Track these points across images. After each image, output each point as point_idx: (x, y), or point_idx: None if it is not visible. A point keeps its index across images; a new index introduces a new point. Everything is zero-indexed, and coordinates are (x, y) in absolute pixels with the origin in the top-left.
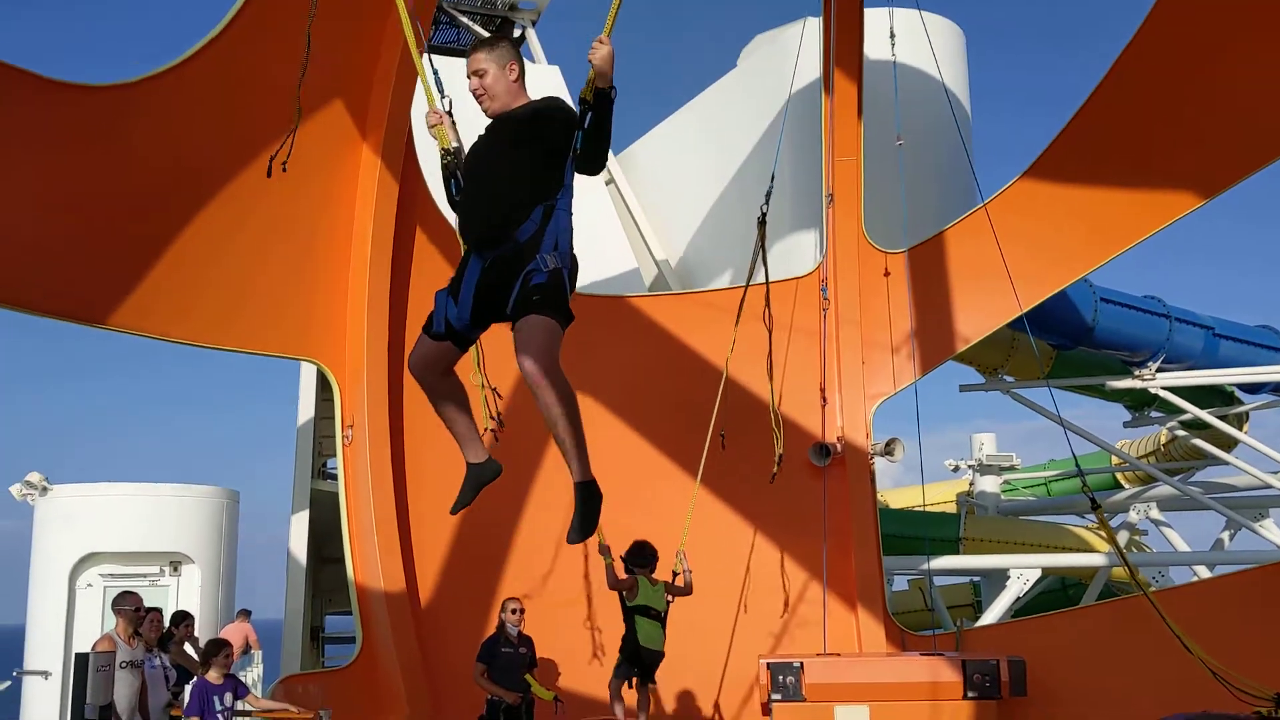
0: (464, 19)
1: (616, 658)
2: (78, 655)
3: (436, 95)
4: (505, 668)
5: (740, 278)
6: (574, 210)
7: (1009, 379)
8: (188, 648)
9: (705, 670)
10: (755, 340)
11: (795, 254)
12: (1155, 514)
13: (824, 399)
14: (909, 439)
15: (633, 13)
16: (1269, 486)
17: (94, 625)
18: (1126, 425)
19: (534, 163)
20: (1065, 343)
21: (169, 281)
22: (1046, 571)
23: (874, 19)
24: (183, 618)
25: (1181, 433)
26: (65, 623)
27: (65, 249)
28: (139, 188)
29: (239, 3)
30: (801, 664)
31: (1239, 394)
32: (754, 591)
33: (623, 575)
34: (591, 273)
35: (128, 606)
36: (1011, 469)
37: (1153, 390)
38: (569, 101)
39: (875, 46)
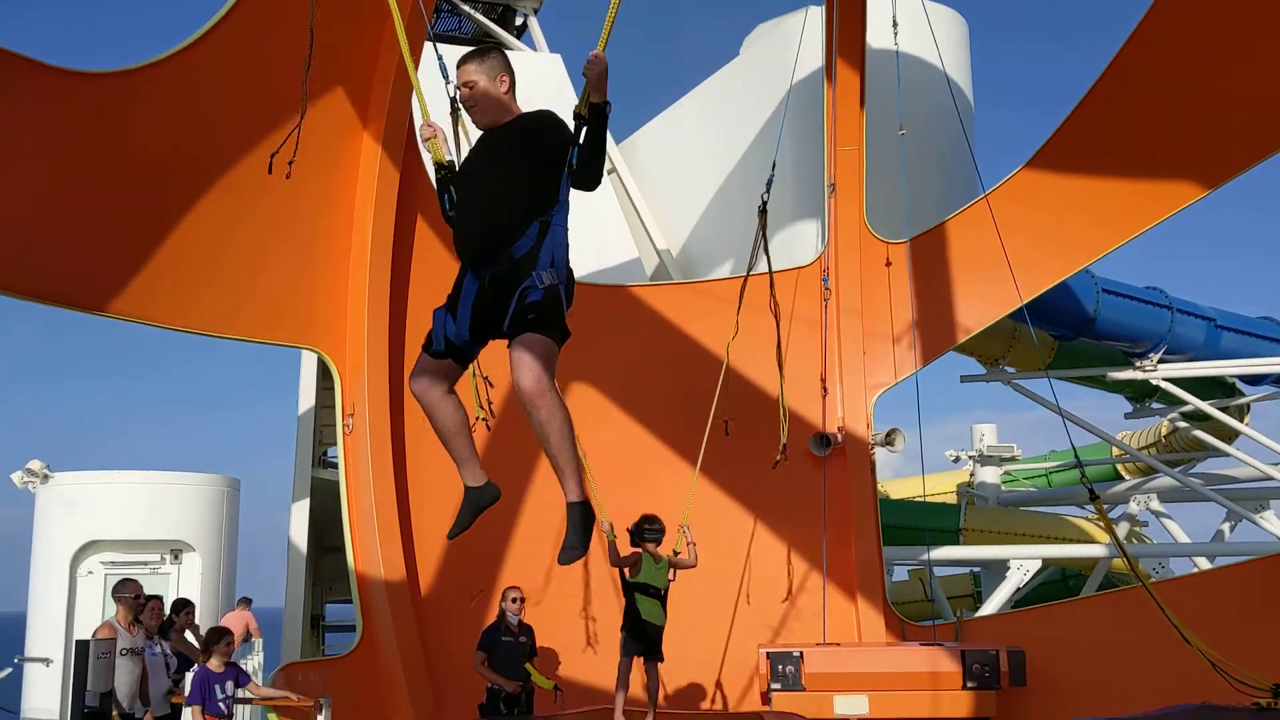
0: (466, 6)
1: (620, 636)
2: (78, 642)
3: (436, 107)
4: (505, 656)
5: (742, 267)
6: (576, 199)
7: (1010, 370)
8: (188, 635)
9: (705, 660)
10: (757, 330)
11: (797, 244)
12: (1156, 505)
13: (824, 389)
14: (910, 429)
15: (635, 1)
16: (1270, 478)
17: (95, 612)
18: (1128, 416)
19: (529, 178)
20: (1067, 333)
21: (172, 270)
22: (1046, 562)
23: (876, 8)
24: (183, 605)
25: (1182, 424)
26: (66, 610)
27: (67, 236)
28: (140, 175)
29: None
30: (801, 653)
31: (1240, 385)
32: (754, 581)
33: (626, 551)
34: (593, 262)
35: (128, 594)
36: (1012, 460)
37: (1154, 381)
38: (571, 89)
39: (878, 35)
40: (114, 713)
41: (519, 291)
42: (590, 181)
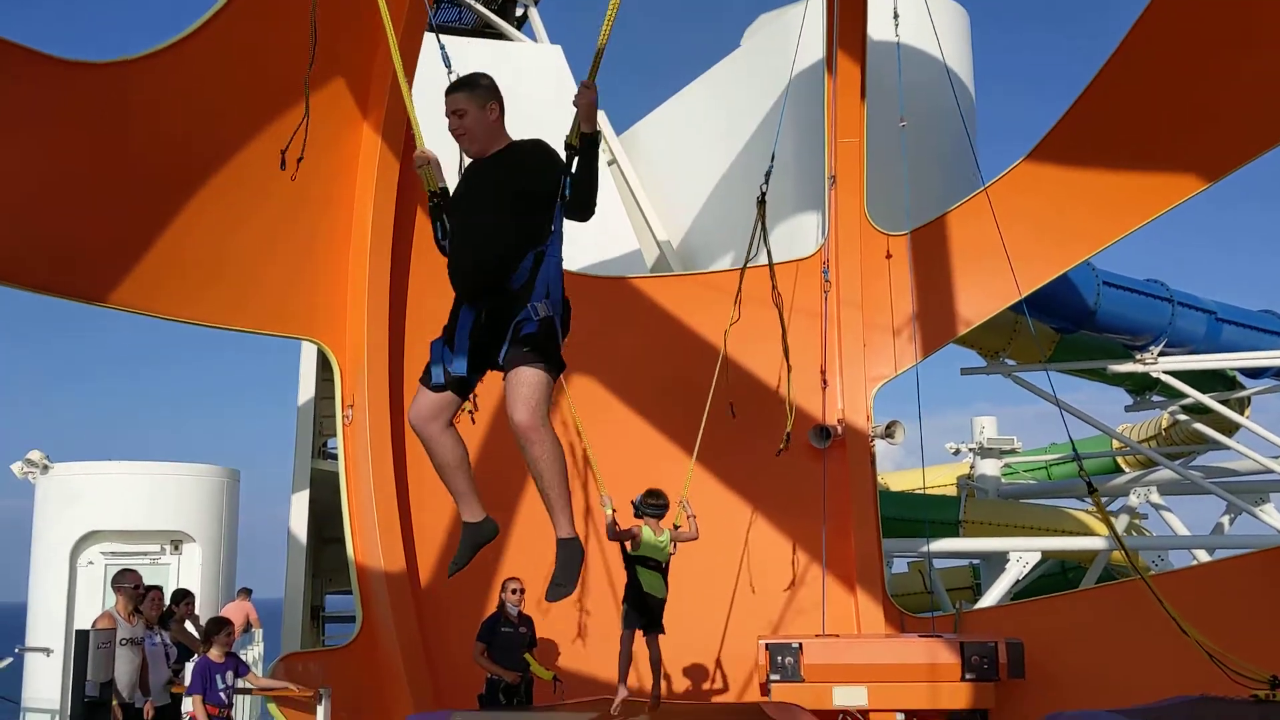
0: None
1: (622, 609)
2: (78, 632)
3: (433, 105)
4: (505, 647)
5: (743, 259)
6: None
7: (1010, 362)
8: (188, 626)
9: (705, 651)
10: (758, 322)
11: (798, 236)
12: (1155, 498)
13: (824, 381)
14: (910, 422)
15: None
16: (1270, 471)
17: (95, 603)
18: (1128, 409)
19: (522, 210)
20: (1067, 326)
21: (173, 262)
22: (1046, 555)
23: None
24: (183, 596)
25: (1183, 417)
26: (67, 600)
27: (68, 227)
28: (141, 166)
29: None
30: (800, 645)
31: (1241, 378)
32: (753, 573)
33: (626, 525)
34: (593, 253)
35: (127, 584)
36: (1012, 452)
37: (1154, 374)
38: (571, 81)
39: (879, 27)
40: (114, 702)
41: (514, 324)
42: (584, 212)
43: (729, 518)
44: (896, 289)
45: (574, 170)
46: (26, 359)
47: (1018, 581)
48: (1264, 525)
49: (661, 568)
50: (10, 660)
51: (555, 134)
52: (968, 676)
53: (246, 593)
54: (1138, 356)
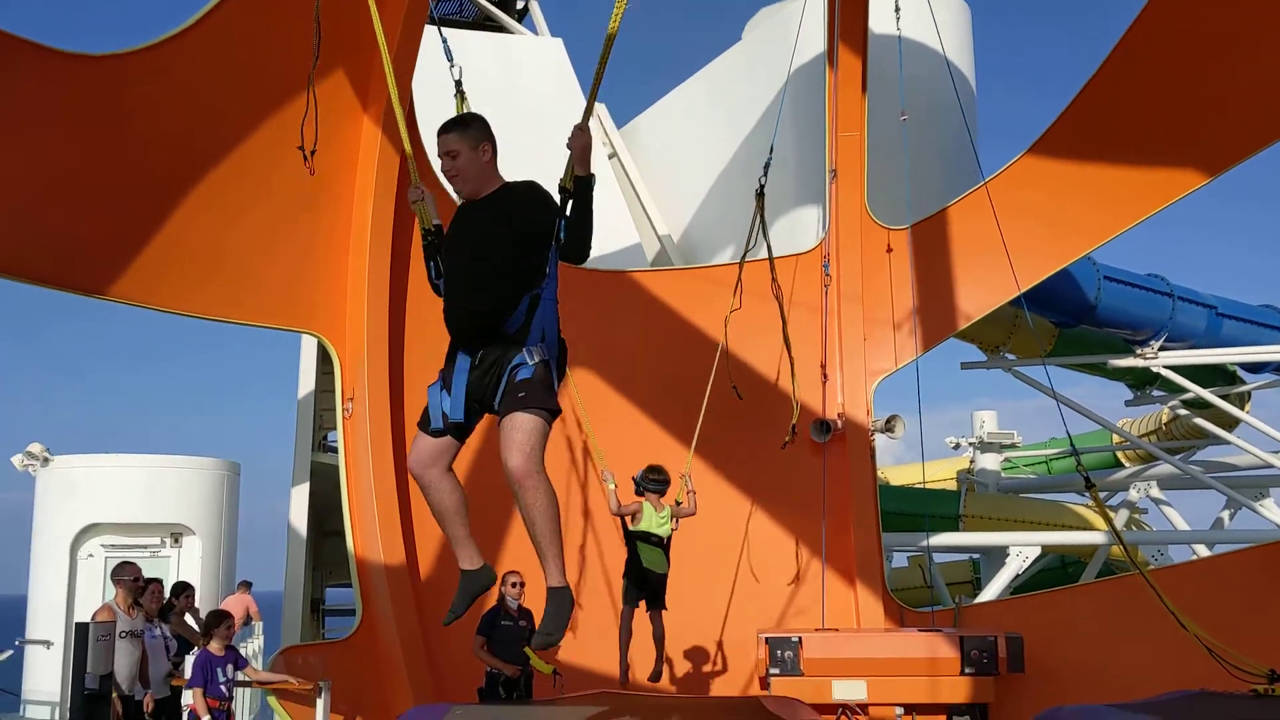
0: None
1: (622, 585)
2: (78, 625)
3: (432, 102)
4: (505, 640)
5: (743, 253)
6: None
7: (1011, 357)
8: (188, 618)
9: (704, 645)
10: (758, 316)
11: (798, 229)
12: (1155, 493)
13: (825, 375)
14: (910, 416)
15: None
16: (1270, 466)
17: (95, 595)
18: (1128, 404)
19: (516, 254)
20: (1068, 321)
21: (173, 254)
22: (1046, 549)
23: None
24: (183, 589)
25: (1183, 412)
26: (67, 593)
27: (67, 219)
28: (141, 159)
29: None
30: (800, 639)
31: (1241, 373)
32: (753, 567)
33: (629, 500)
34: (594, 247)
35: (126, 577)
36: (1012, 447)
37: (1155, 369)
38: (572, 74)
39: (880, 20)
40: (114, 695)
41: (509, 369)
42: (579, 255)
43: (728, 512)
44: (897, 283)
45: (568, 213)
46: (27, 354)
47: (1017, 576)
48: (1264, 520)
49: (663, 544)
50: (10, 653)
51: (555, 127)
52: (967, 671)
53: (246, 585)
54: (1138, 351)
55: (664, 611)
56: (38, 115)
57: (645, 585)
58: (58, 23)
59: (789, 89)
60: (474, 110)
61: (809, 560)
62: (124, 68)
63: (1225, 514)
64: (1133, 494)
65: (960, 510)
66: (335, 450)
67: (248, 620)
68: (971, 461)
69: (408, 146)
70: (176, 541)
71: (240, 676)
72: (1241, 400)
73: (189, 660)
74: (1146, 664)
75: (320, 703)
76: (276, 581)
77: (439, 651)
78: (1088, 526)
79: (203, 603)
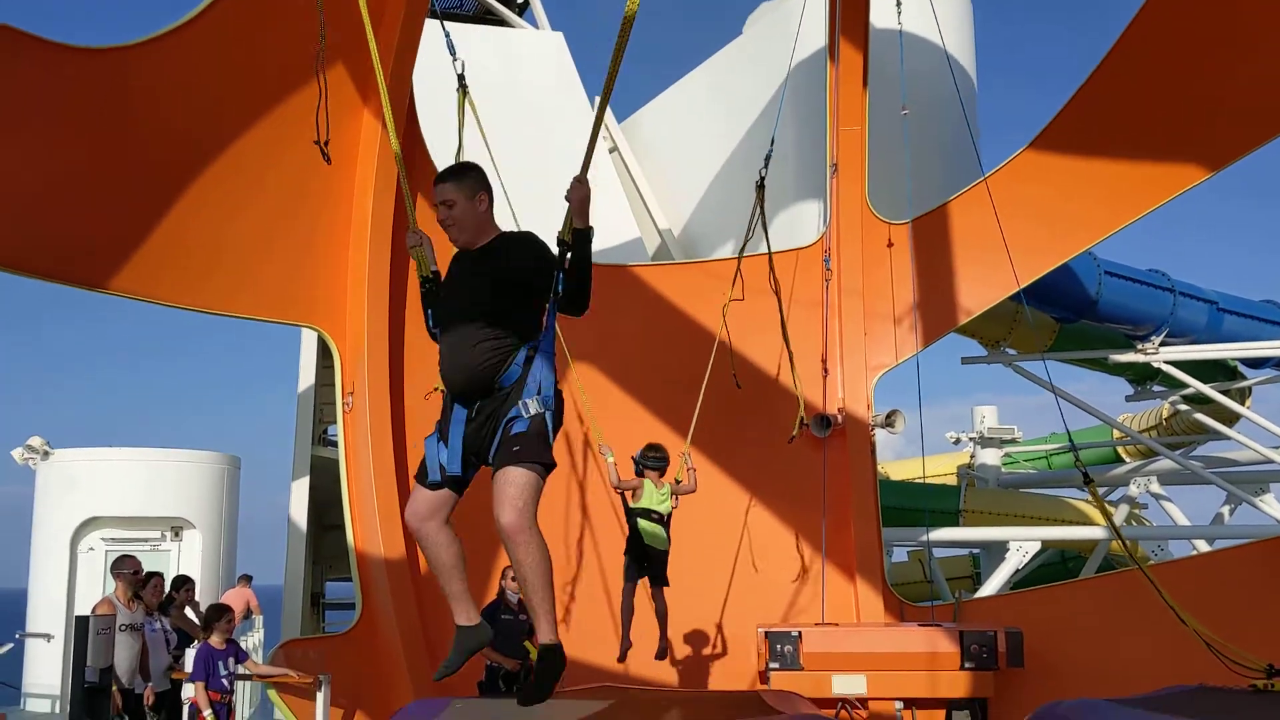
0: None
1: (624, 562)
2: (78, 618)
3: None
4: (505, 635)
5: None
6: (574, 173)
7: (1011, 351)
8: (188, 612)
9: (703, 639)
10: (757, 311)
11: (799, 224)
12: (1156, 488)
13: (825, 370)
14: (910, 411)
15: None
16: (1270, 461)
17: (95, 589)
18: (1129, 399)
19: (513, 306)
20: (1069, 316)
21: (175, 248)
22: (1046, 544)
23: None
24: (183, 582)
25: (1184, 407)
26: (67, 586)
27: (68, 213)
28: (141, 152)
29: None
30: (799, 633)
31: (1242, 369)
32: (753, 561)
33: (627, 477)
34: (594, 241)
35: (126, 570)
36: (1013, 442)
37: (1155, 364)
38: (572, 67)
39: (881, 15)
40: (114, 688)
41: (505, 422)
42: (577, 307)
43: (728, 506)
44: (898, 278)
45: (566, 265)
46: (27, 348)
47: (1017, 571)
48: (1264, 515)
49: (663, 520)
50: (11, 646)
51: (555, 120)
52: (967, 665)
53: (247, 579)
54: (1139, 346)
55: (666, 588)
56: (39, 108)
57: (647, 561)
58: (58, 19)
59: (790, 83)
60: (475, 104)
61: (808, 555)
62: (125, 61)
63: (1225, 509)
64: (1133, 489)
65: (960, 505)
66: (335, 444)
67: (248, 614)
68: (972, 456)
69: (406, 192)
70: (177, 535)
71: (241, 670)
72: (1242, 395)
73: (189, 653)
74: (1146, 659)
75: (320, 696)
76: (277, 575)
77: (439, 645)
78: (1088, 522)
79: (203, 596)
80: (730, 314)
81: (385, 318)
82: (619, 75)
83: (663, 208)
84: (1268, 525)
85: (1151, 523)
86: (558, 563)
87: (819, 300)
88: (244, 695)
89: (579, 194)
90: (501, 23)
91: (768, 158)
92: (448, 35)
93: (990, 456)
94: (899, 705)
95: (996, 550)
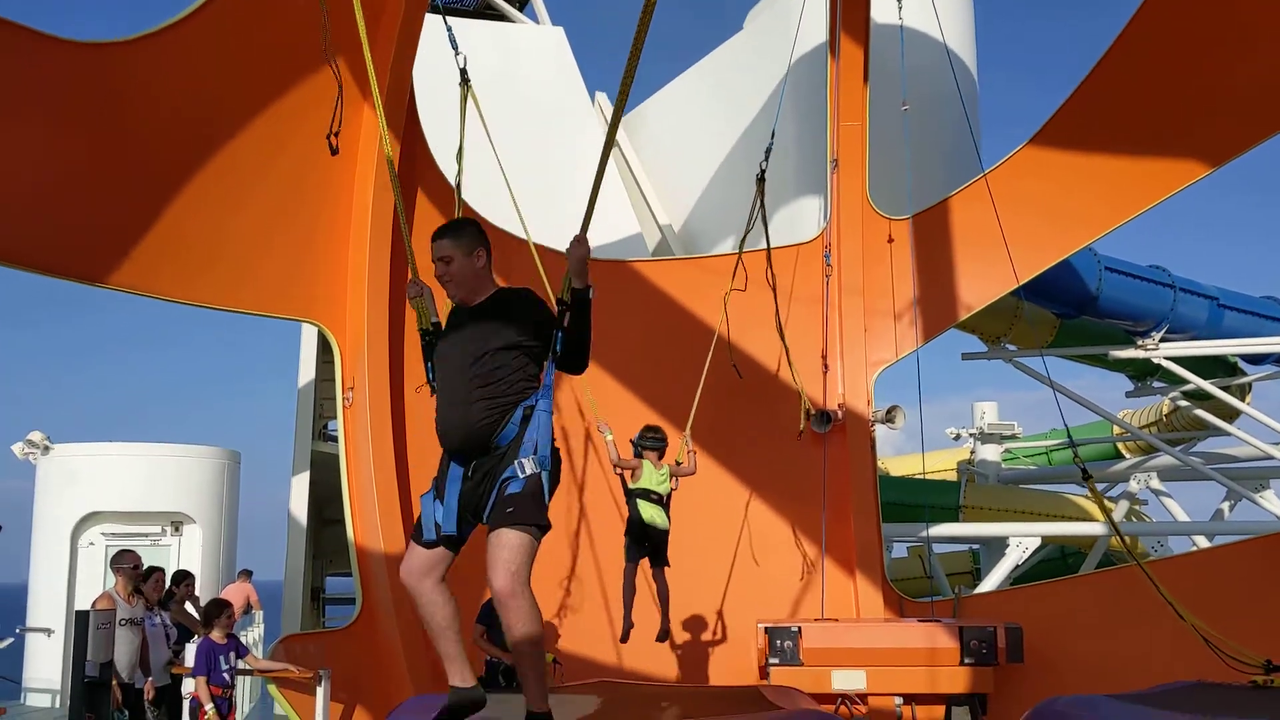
0: None
1: (624, 543)
2: (78, 613)
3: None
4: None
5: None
6: (575, 172)
7: (1011, 347)
8: (188, 607)
9: (703, 634)
10: (758, 308)
11: (799, 220)
12: (1156, 484)
13: (825, 366)
14: (910, 407)
15: None
16: (1270, 457)
17: (96, 584)
18: (1129, 395)
19: (511, 365)
20: (1069, 311)
21: (172, 243)
22: (1046, 540)
23: None
24: (183, 577)
25: (1184, 403)
26: (67, 581)
27: (67, 208)
28: (141, 147)
29: None
30: (799, 629)
31: (1242, 365)
32: (753, 556)
33: (627, 456)
34: (594, 237)
35: (126, 565)
36: (1013, 438)
37: (1156, 360)
38: (572, 62)
39: (882, 10)
40: (114, 683)
41: (500, 482)
42: (576, 366)
43: (728, 501)
44: (898, 273)
45: (566, 324)
46: (27, 343)
47: (1017, 566)
48: (1264, 511)
49: (663, 500)
50: (11, 640)
51: (555, 115)
52: (966, 661)
53: (247, 574)
54: (1139, 342)
55: (667, 569)
56: (38, 103)
57: (647, 541)
58: (58, 14)
59: (790, 79)
60: (477, 98)
61: (810, 551)
62: (125, 56)
63: (1225, 505)
64: (1133, 485)
65: (960, 501)
66: (335, 439)
67: (248, 609)
68: (972, 452)
69: (408, 240)
70: (177, 530)
71: (241, 665)
72: (1242, 392)
73: (190, 648)
74: (1145, 655)
75: (320, 691)
76: (276, 570)
77: None
78: (1088, 517)
79: (203, 591)
80: (731, 310)
81: (385, 313)
82: (620, 68)
83: (663, 203)
84: (1268, 521)
85: (1151, 519)
86: (556, 559)
87: (819, 296)
88: (244, 690)
89: (578, 253)
90: (502, 18)
91: (768, 150)
92: (450, 30)
93: (990, 452)
94: (898, 701)
95: (996, 546)
